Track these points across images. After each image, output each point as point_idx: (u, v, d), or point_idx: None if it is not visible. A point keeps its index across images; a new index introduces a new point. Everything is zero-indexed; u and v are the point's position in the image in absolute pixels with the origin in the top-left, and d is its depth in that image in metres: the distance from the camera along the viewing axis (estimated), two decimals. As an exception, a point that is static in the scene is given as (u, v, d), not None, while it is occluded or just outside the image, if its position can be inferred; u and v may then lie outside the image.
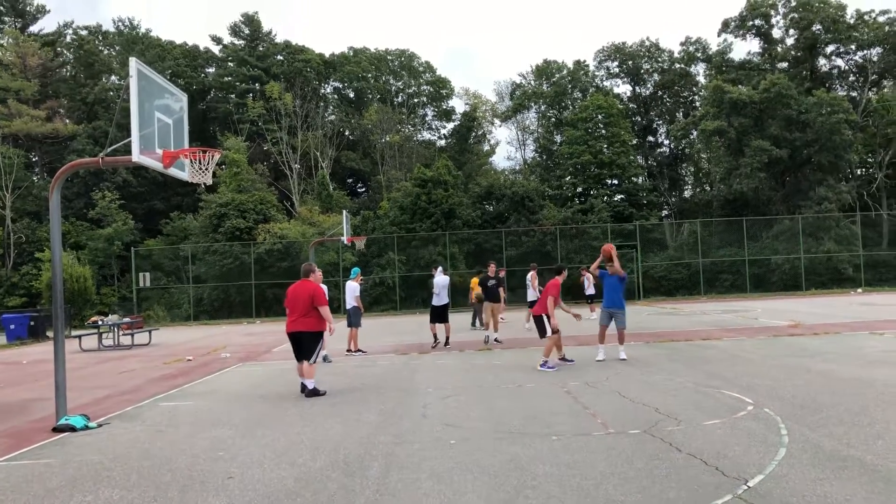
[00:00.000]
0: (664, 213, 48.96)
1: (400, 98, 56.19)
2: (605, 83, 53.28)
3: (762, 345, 13.95)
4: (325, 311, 10.27)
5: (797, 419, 7.17)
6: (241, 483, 5.78)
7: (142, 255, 38.26)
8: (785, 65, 46.29)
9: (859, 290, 34.62)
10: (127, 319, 24.25)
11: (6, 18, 50.75)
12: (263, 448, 6.99)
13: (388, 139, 50.63)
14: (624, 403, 8.47)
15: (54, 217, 8.87)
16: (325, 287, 11.08)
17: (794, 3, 44.49)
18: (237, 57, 53.29)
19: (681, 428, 7.03)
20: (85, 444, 7.63)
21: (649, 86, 52.83)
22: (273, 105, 47.13)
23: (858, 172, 45.60)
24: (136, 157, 8.09)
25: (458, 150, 53.81)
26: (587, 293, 23.89)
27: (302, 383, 10.27)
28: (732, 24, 46.60)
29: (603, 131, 44.92)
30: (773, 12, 45.70)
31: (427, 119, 58.78)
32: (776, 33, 46.68)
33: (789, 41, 46.39)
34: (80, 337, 21.35)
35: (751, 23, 45.91)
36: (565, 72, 54.24)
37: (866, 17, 43.91)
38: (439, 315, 16.06)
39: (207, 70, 54.95)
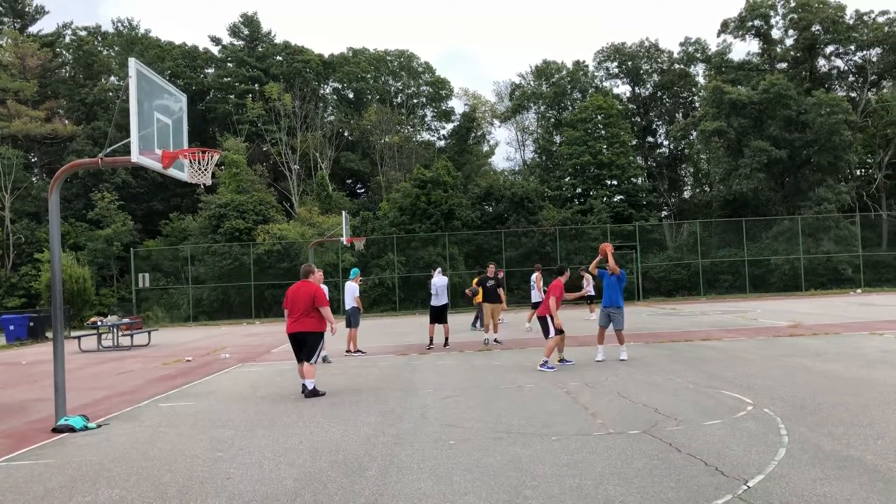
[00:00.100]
0: (664, 213, 48.98)
1: (399, 99, 56.19)
2: (604, 84, 53.33)
3: (762, 345, 13.95)
4: (327, 311, 10.28)
5: (797, 419, 7.17)
6: (240, 483, 5.78)
7: (141, 256, 38.26)
8: (784, 65, 46.31)
9: (859, 290, 34.64)
10: (126, 320, 24.25)
11: (5, 19, 50.76)
12: (263, 449, 6.99)
13: (387, 140, 50.63)
14: (624, 404, 8.47)
15: (53, 218, 8.86)
16: (325, 288, 11.09)
17: (793, 4, 44.52)
18: (236, 57, 53.29)
19: (681, 428, 7.03)
20: (84, 445, 7.63)
21: (649, 86, 52.88)
22: (272, 106, 47.14)
23: (858, 173, 45.65)
24: (136, 157, 8.09)
25: (458, 151, 53.82)
26: (586, 294, 23.86)
27: (303, 384, 10.28)
28: (732, 24, 46.63)
29: (602, 132, 44.95)
30: (772, 13, 45.73)
31: (426, 120, 58.80)
32: (775, 34, 46.74)
33: (788, 42, 46.45)
34: (79, 338, 21.35)
35: (750, 23, 45.93)
36: (565, 72, 54.24)
37: (866, 18, 43.95)
38: (438, 316, 16.07)
39: (207, 70, 54.94)
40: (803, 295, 34.03)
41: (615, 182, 44.55)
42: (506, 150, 74.96)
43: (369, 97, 55.08)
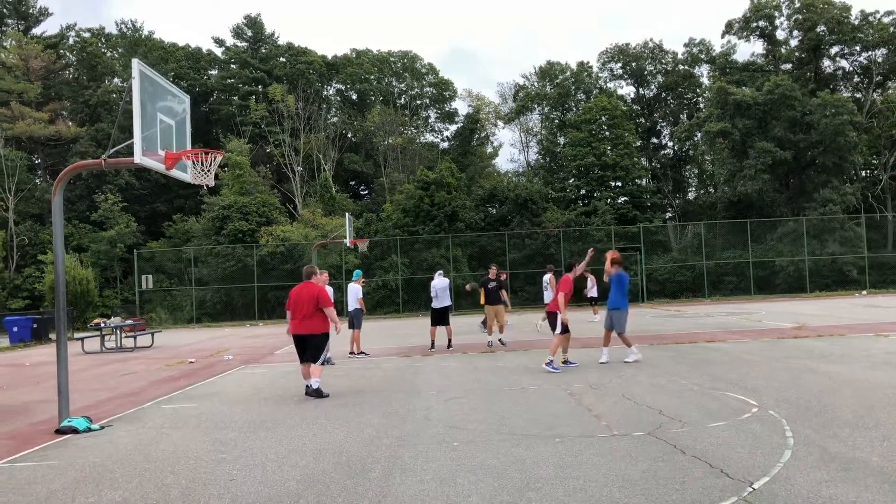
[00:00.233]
0: (668, 215, 48.93)
1: (403, 100, 56.22)
2: (608, 85, 53.34)
3: (767, 347, 13.90)
4: (331, 311, 10.28)
5: (802, 421, 7.13)
6: (243, 485, 5.76)
7: (144, 258, 38.33)
8: (789, 66, 46.26)
9: (864, 292, 34.53)
10: (129, 322, 24.28)
11: (9, 21, 50.92)
12: (266, 450, 6.97)
13: (390, 141, 50.66)
14: (628, 405, 8.44)
15: (57, 219, 8.86)
16: (330, 289, 11.08)
17: (798, 5, 44.46)
18: (240, 59, 53.39)
19: (685, 430, 6.99)
20: (87, 446, 7.62)
21: (653, 87, 52.85)
22: (276, 107, 47.19)
23: (863, 174, 45.57)
24: (139, 158, 8.08)
25: (461, 153, 53.82)
26: (589, 295, 23.87)
27: (307, 384, 10.28)
28: (736, 25, 46.60)
29: (606, 133, 44.93)
30: (776, 13, 45.69)
31: (430, 121, 58.83)
32: (780, 34, 46.70)
33: (793, 42, 46.40)
34: (82, 339, 21.38)
35: (755, 24, 45.89)
36: (569, 73, 54.24)
37: (871, 18, 43.87)
38: (439, 318, 16.05)
39: (210, 72, 55.07)
40: (808, 296, 33.93)
41: (619, 183, 44.52)
42: (509, 151, 75.17)
43: (373, 98, 55.14)
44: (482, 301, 16.78)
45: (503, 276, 17.27)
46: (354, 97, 56.76)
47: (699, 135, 46.27)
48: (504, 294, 16.85)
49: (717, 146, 43.63)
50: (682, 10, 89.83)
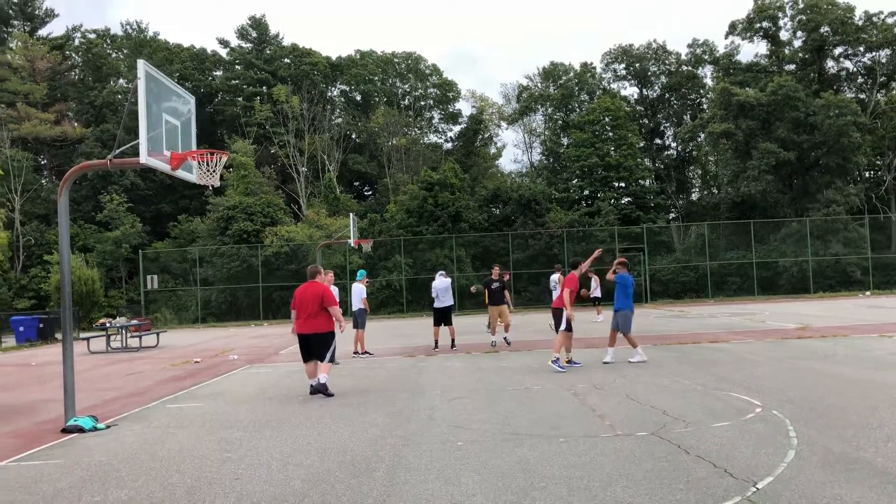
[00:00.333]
0: (671, 215, 48.89)
1: (406, 101, 56.27)
2: (612, 86, 53.31)
3: (770, 347, 13.90)
4: (336, 310, 10.33)
5: (806, 421, 7.14)
6: (248, 484, 5.79)
7: (149, 258, 38.41)
8: (792, 67, 46.16)
9: (868, 293, 34.46)
10: (135, 322, 24.33)
11: (16, 22, 51.09)
12: (271, 449, 7.00)
13: (394, 142, 50.72)
14: (632, 406, 8.45)
15: (63, 219, 8.90)
16: (336, 289, 11.12)
17: (801, 6, 44.38)
18: (244, 60, 53.47)
19: (689, 430, 7.01)
20: (93, 445, 7.66)
21: (656, 88, 52.80)
22: (280, 108, 47.28)
23: (867, 175, 45.46)
24: (144, 158, 8.12)
25: (465, 153, 53.85)
26: (593, 295, 23.86)
27: (311, 384, 10.32)
28: (740, 26, 46.53)
29: (610, 134, 44.91)
30: (780, 14, 45.62)
31: (434, 122, 58.85)
32: (784, 35, 46.61)
33: (797, 43, 46.28)
34: (88, 339, 21.45)
35: (758, 25, 45.82)
36: (572, 74, 54.21)
37: (875, 19, 43.76)
38: (442, 318, 16.07)
39: (215, 73, 55.18)
40: (812, 297, 33.87)
41: (623, 184, 44.49)
42: (513, 152, 75.12)
43: (377, 99, 55.19)
44: (486, 301, 16.80)
45: (506, 277, 17.28)
46: (359, 98, 56.82)
47: (702, 136, 46.23)
48: (507, 294, 16.86)
49: (720, 147, 43.58)
50: (686, 11, 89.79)
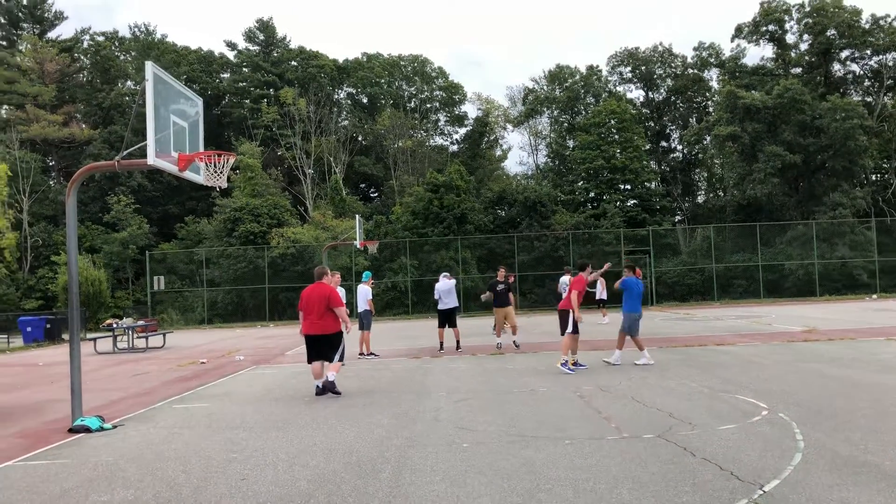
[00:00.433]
0: (677, 218, 48.80)
1: (413, 103, 56.35)
2: (618, 88, 53.29)
3: (776, 350, 13.86)
4: (342, 311, 10.35)
5: (813, 424, 7.12)
6: (254, 484, 5.81)
7: (156, 259, 38.52)
8: (799, 70, 46.07)
9: (874, 296, 34.31)
10: (141, 322, 24.41)
11: (25, 25, 51.37)
12: (277, 450, 7.01)
13: (400, 144, 50.79)
14: (637, 408, 8.44)
15: (70, 220, 8.94)
16: (342, 290, 11.15)
17: (808, 9, 44.29)
18: (252, 62, 53.65)
19: (695, 432, 6.99)
20: (100, 445, 7.68)
21: (662, 91, 52.75)
22: (287, 110, 47.41)
23: (873, 178, 45.29)
24: (152, 160, 8.15)
25: (471, 156, 53.91)
26: (598, 297, 23.84)
27: (316, 385, 10.34)
28: (746, 29, 46.45)
29: (616, 136, 44.86)
30: (786, 17, 45.51)
31: (439, 124, 58.94)
32: (790, 38, 46.52)
33: (803, 46, 46.20)
34: (95, 340, 21.52)
35: (764, 28, 45.73)
36: (578, 77, 54.23)
37: (882, 22, 43.63)
38: (445, 320, 16.07)
39: (222, 75, 55.39)
40: (818, 300, 33.75)
41: (628, 186, 44.43)
42: (519, 154, 75.27)
43: (383, 102, 55.29)
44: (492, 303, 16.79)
45: (511, 279, 17.27)
46: (365, 101, 56.93)
47: (708, 138, 46.14)
48: (512, 297, 16.85)
49: (726, 150, 43.48)
50: (692, 14, 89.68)
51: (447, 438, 7.22)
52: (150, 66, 8.25)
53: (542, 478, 5.62)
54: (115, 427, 8.67)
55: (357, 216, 29.26)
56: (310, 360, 10.49)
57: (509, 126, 58.62)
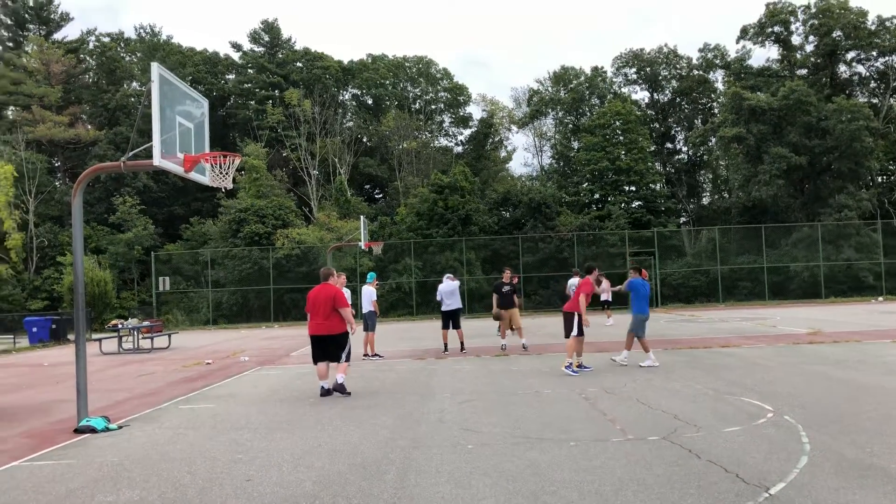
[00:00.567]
0: (682, 219, 48.73)
1: (417, 105, 56.39)
2: (622, 90, 53.24)
3: (781, 352, 13.82)
4: (346, 312, 10.36)
5: (818, 427, 7.10)
6: (259, 485, 5.81)
7: (162, 260, 38.59)
8: (804, 71, 45.97)
9: (880, 298, 34.20)
10: (146, 323, 24.44)
11: (31, 26, 51.55)
12: (282, 451, 7.02)
13: (405, 145, 50.82)
14: (642, 410, 8.42)
15: (76, 221, 8.96)
16: (348, 291, 11.17)
17: (814, 10, 44.19)
18: (257, 64, 53.75)
19: (700, 435, 6.98)
20: (105, 446, 7.70)
21: (667, 92, 52.70)
22: (292, 112, 47.48)
23: (879, 180, 45.14)
24: (158, 161, 8.16)
25: (475, 157, 53.90)
26: (602, 299, 23.78)
27: (322, 386, 10.36)
28: (751, 30, 46.39)
29: (620, 138, 44.81)
30: (792, 19, 45.44)
31: (444, 125, 58.96)
32: (795, 40, 46.46)
33: (809, 48, 46.11)
34: (100, 340, 21.56)
35: (770, 29, 45.67)
36: (583, 78, 54.21)
37: (888, 24, 43.52)
38: (449, 321, 16.07)
39: (227, 76, 55.50)
40: (823, 302, 33.65)
41: (633, 188, 44.38)
42: (523, 155, 75.08)
43: (388, 103, 55.33)
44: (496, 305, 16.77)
45: (515, 280, 17.26)
46: (370, 102, 57.00)
47: (714, 140, 46.07)
48: (517, 298, 16.83)
49: (731, 151, 43.40)
50: (698, 15, 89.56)
51: (452, 440, 7.22)
52: (155, 68, 8.27)
53: (547, 480, 5.61)
54: (120, 427, 8.69)
55: (362, 217, 29.27)
56: (315, 361, 10.51)
57: (514, 127, 58.67)
